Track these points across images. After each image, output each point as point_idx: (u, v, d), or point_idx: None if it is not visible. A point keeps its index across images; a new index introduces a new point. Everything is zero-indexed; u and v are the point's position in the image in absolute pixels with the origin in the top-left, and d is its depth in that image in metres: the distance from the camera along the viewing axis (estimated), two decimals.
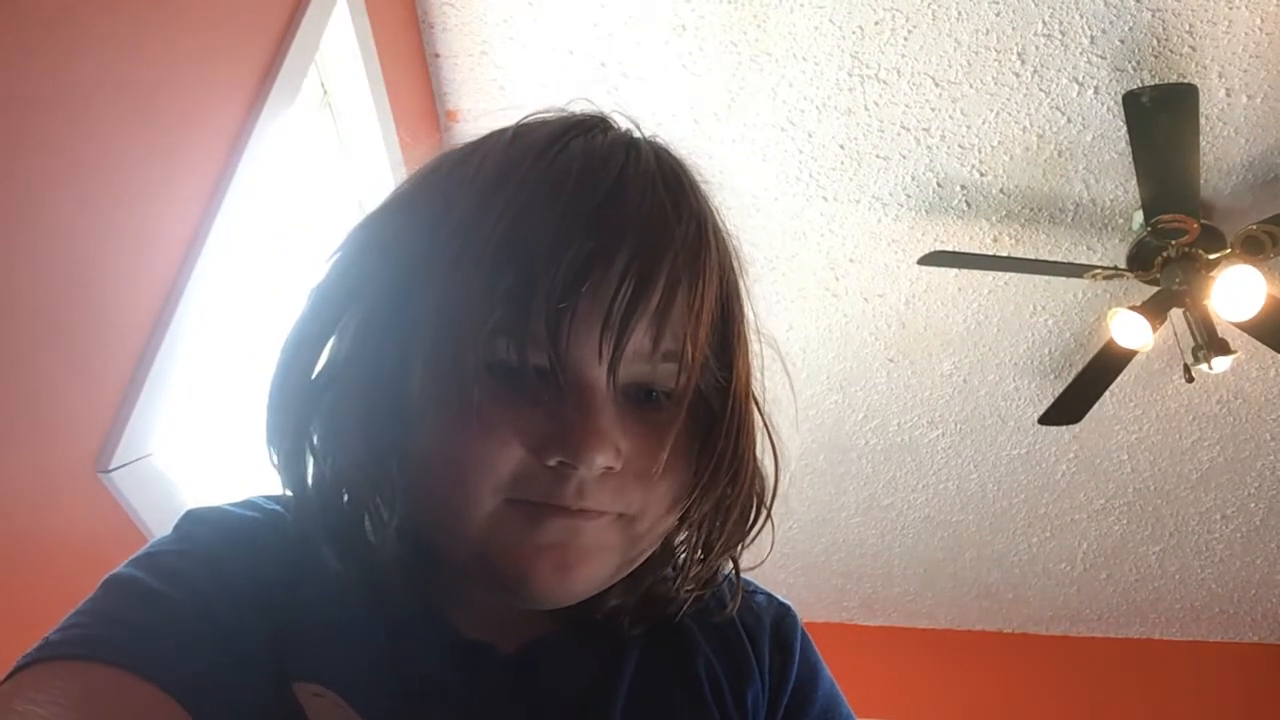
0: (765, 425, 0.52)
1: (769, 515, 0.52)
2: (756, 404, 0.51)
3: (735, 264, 0.50)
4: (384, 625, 0.48)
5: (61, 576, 1.02)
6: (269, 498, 0.52)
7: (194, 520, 0.49)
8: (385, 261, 0.46)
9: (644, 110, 2.18)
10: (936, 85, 2.15)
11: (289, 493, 0.48)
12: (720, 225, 0.49)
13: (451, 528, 0.44)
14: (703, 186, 0.50)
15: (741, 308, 0.49)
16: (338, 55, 1.77)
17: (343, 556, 0.47)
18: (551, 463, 0.42)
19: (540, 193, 0.43)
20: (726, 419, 0.47)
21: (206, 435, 1.39)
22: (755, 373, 0.51)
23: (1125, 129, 1.97)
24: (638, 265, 0.42)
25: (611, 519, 0.45)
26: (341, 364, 0.46)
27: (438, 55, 2.19)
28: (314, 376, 0.47)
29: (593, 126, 0.48)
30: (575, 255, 0.41)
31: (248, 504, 0.51)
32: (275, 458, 0.47)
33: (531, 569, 0.43)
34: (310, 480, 0.47)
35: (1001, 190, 2.35)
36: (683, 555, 0.53)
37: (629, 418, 0.45)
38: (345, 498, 0.47)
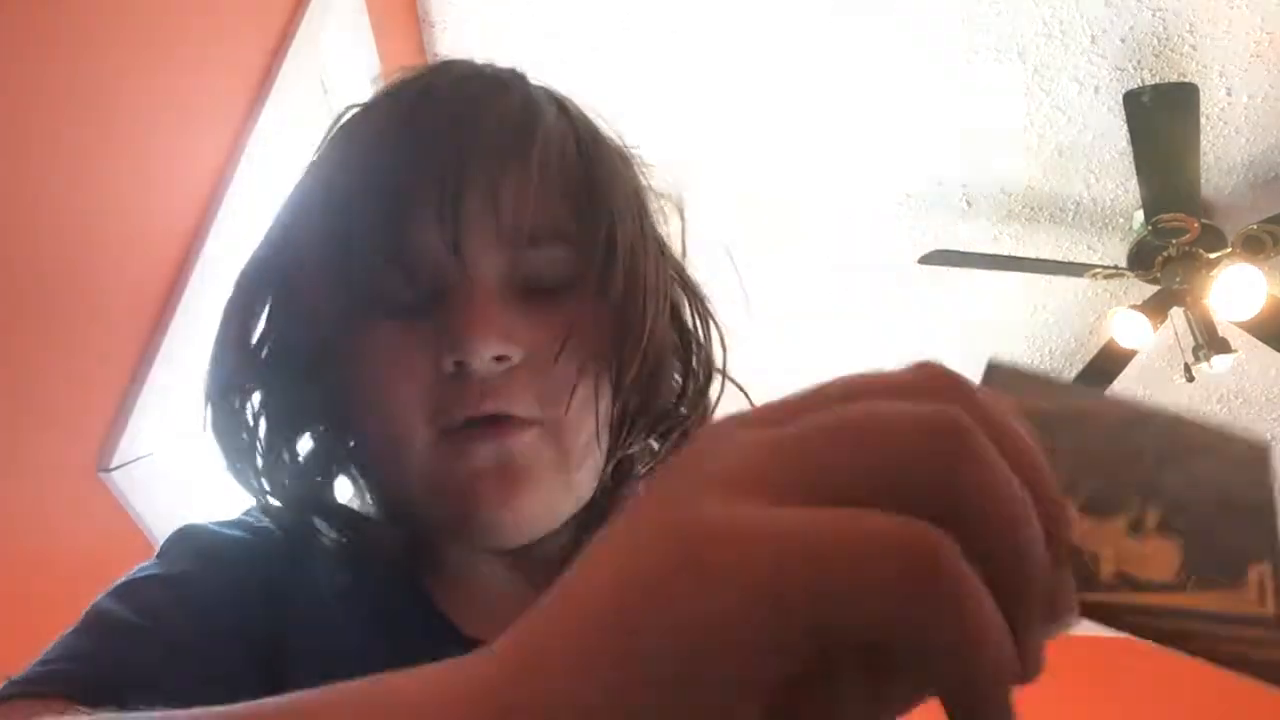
0: (694, 294, 0.53)
1: (730, 381, 0.53)
2: (682, 277, 0.53)
3: (594, 141, 0.50)
4: (383, 627, 0.48)
5: (61, 575, 1.02)
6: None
7: (177, 542, 0.49)
8: (283, 229, 0.51)
9: (641, 114, 2.18)
10: (936, 85, 2.15)
11: (246, 474, 0.49)
12: (571, 108, 0.50)
13: (398, 479, 0.46)
14: (542, 88, 0.51)
15: (613, 175, 0.49)
16: (338, 55, 1.77)
17: (338, 529, 0.49)
18: (449, 368, 0.43)
19: (361, 130, 0.48)
20: (620, 291, 0.46)
21: (206, 435, 1.39)
22: (677, 245, 0.52)
23: (1126, 128, 1.97)
24: (454, 156, 0.44)
25: (538, 432, 0.44)
26: (270, 336, 0.49)
27: (438, 55, 2.19)
28: (250, 348, 0.50)
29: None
30: (390, 167, 0.44)
31: (238, 522, 0.52)
32: (219, 442, 0.50)
33: (473, 498, 0.44)
34: (282, 459, 0.49)
35: (1002, 190, 2.35)
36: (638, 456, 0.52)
37: (530, 311, 0.45)
38: (320, 472, 0.49)
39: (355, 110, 0.51)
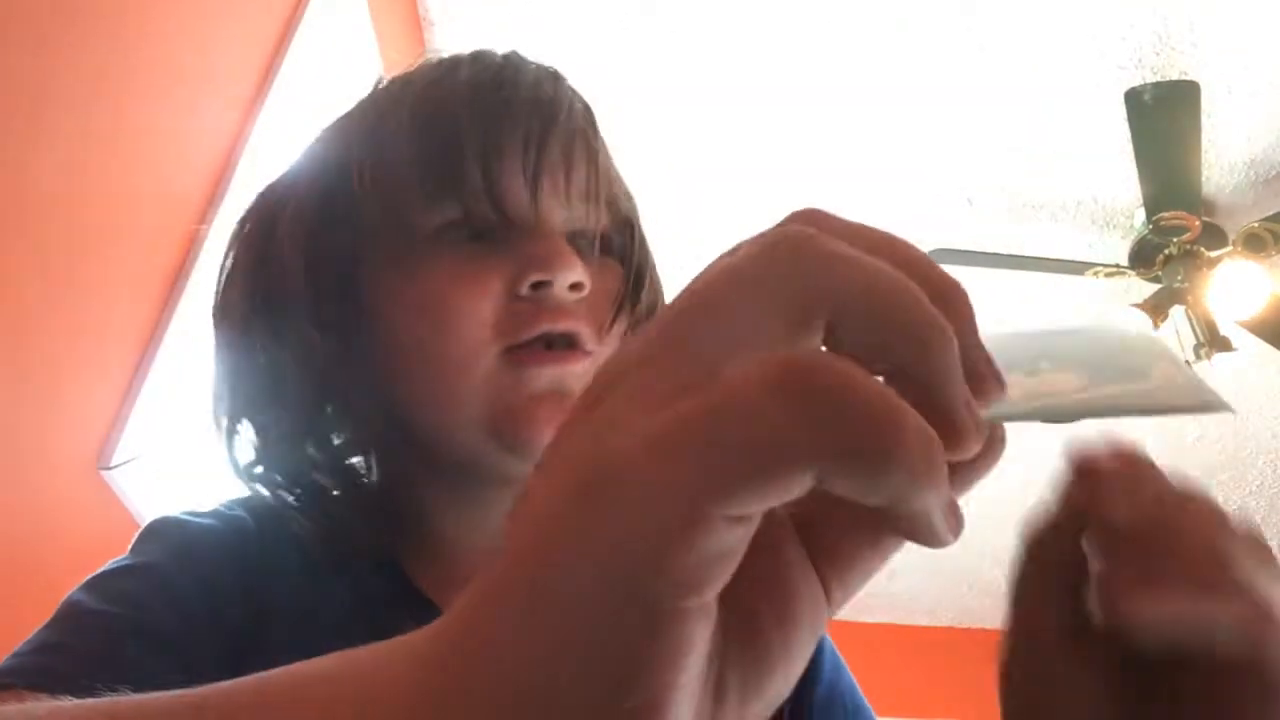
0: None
1: None
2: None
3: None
4: (365, 613, 0.48)
5: (62, 572, 1.02)
6: (235, 501, 0.53)
7: (148, 534, 0.50)
8: (314, 179, 0.53)
9: (640, 115, 2.17)
10: (936, 85, 2.15)
11: (250, 453, 0.50)
12: None
13: (450, 398, 0.47)
14: None
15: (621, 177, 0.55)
16: (338, 54, 1.77)
17: (309, 515, 0.49)
18: (525, 290, 0.46)
19: (443, 84, 0.51)
20: (642, 261, 0.53)
21: (206, 433, 1.39)
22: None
23: (1127, 126, 1.96)
24: (539, 122, 0.48)
25: (592, 363, 0.47)
26: (294, 266, 0.51)
27: (439, 54, 2.19)
28: (257, 306, 0.51)
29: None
30: (486, 116, 0.48)
31: (212, 512, 0.52)
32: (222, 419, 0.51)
33: (530, 421, 0.45)
34: (272, 439, 0.50)
35: (1002, 189, 2.34)
36: None
37: (583, 262, 0.48)
38: (309, 450, 0.50)
39: (401, 76, 0.54)
